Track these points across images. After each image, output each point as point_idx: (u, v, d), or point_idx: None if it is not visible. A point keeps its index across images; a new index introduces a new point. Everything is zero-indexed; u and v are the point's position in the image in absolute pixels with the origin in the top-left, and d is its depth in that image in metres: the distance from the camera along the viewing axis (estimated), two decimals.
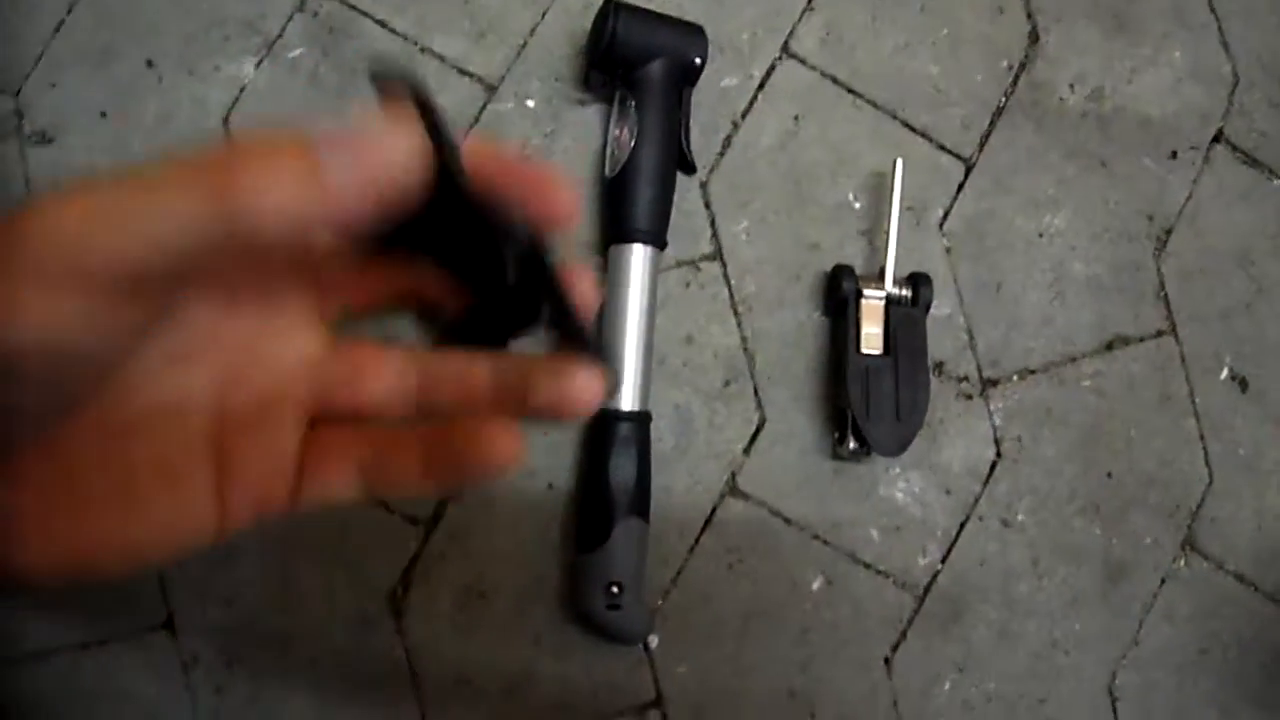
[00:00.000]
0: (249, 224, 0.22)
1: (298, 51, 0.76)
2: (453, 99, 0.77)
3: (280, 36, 0.76)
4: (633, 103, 0.72)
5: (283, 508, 0.29)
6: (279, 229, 0.22)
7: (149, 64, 0.75)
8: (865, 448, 0.73)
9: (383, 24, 0.77)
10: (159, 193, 0.22)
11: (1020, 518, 0.79)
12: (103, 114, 0.74)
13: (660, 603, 0.74)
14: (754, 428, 0.76)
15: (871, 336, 0.74)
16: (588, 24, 0.76)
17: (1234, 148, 0.86)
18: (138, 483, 0.26)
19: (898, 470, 0.78)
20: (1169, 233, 0.84)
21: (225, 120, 0.75)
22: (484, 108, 0.77)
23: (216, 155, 0.22)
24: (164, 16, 0.75)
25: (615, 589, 0.68)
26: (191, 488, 0.27)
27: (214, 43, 0.76)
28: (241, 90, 0.75)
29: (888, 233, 0.75)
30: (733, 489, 0.76)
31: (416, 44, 0.77)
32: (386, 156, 0.23)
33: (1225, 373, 0.84)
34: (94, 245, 0.21)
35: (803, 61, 0.81)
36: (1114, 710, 0.79)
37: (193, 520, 0.27)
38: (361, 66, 0.76)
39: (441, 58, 0.77)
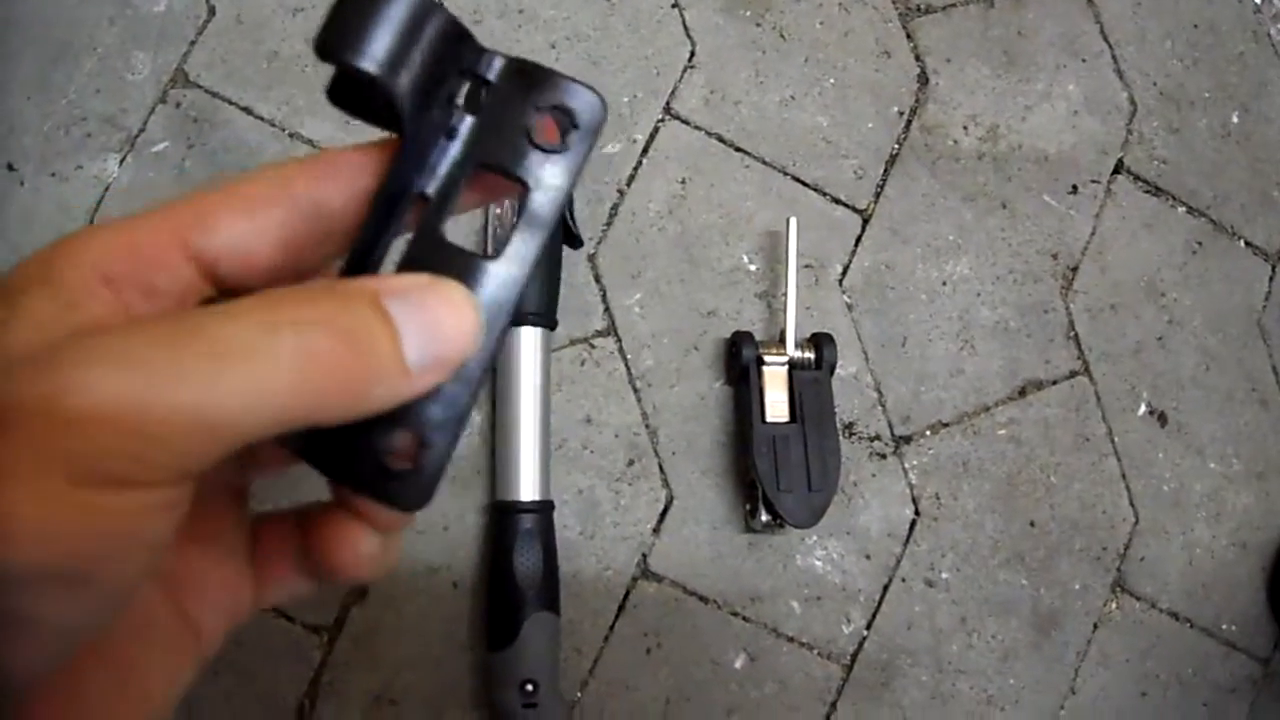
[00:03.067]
0: (334, 415, 0.24)
1: (162, 145, 0.83)
2: None
3: (143, 130, 0.83)
4: None
5: (251, 611, 0.31)
6: (351, 416, 0.24)
7: (10, 168, 0.81)
8: (778, 519, 0.81)
9: (248, 110, 0.85)
10: (238, 371, 0.22)
11: (944, 576, 0.88)
12: None
13: (579, 695, 0.82)
14: (662, 506, 0.85)
15: (776, 404, 0.82)
16: None
17: (1136, 177, 0.97)
18: (124, 653, 0.27)
19: (815, 539, 0.86)
20: (1075, 270, 0.94)
21: (90, 222, 0.82)
22: None
23: (293, 313, 0.23)
24: (23, 116, 0.82)
25: (530, 687, 0.75)
26: (166, 630, 0.28)
27: (75, 141, 0.82)
28: (106, 189, 0.82)
29: (786, 294, 0.83)
30: (645, 571, 0.84)
31: (285, 129, 0.85)
32: (459, 329, 0.26)
33: (1143, 408, 0.94)
34: (161, 443, 0.21)
35: (686, 122, 0.90)
36: None
37: (177, 662, 0.28)
38: (229, 158, 0.84)
39: (312, 143, 0.85)
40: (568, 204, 0.81)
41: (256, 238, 0.28)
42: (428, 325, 0.25)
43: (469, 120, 0.29)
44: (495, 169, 0.29)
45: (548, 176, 0.29)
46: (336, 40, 0.26)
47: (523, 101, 0.29)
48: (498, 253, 0.29)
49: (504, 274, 0.29)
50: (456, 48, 0.29)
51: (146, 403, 0.21)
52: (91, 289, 0.25)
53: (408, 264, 0.28)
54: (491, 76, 0.29)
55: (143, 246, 0.26)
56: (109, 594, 0.23)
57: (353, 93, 0.29)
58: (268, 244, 0.28)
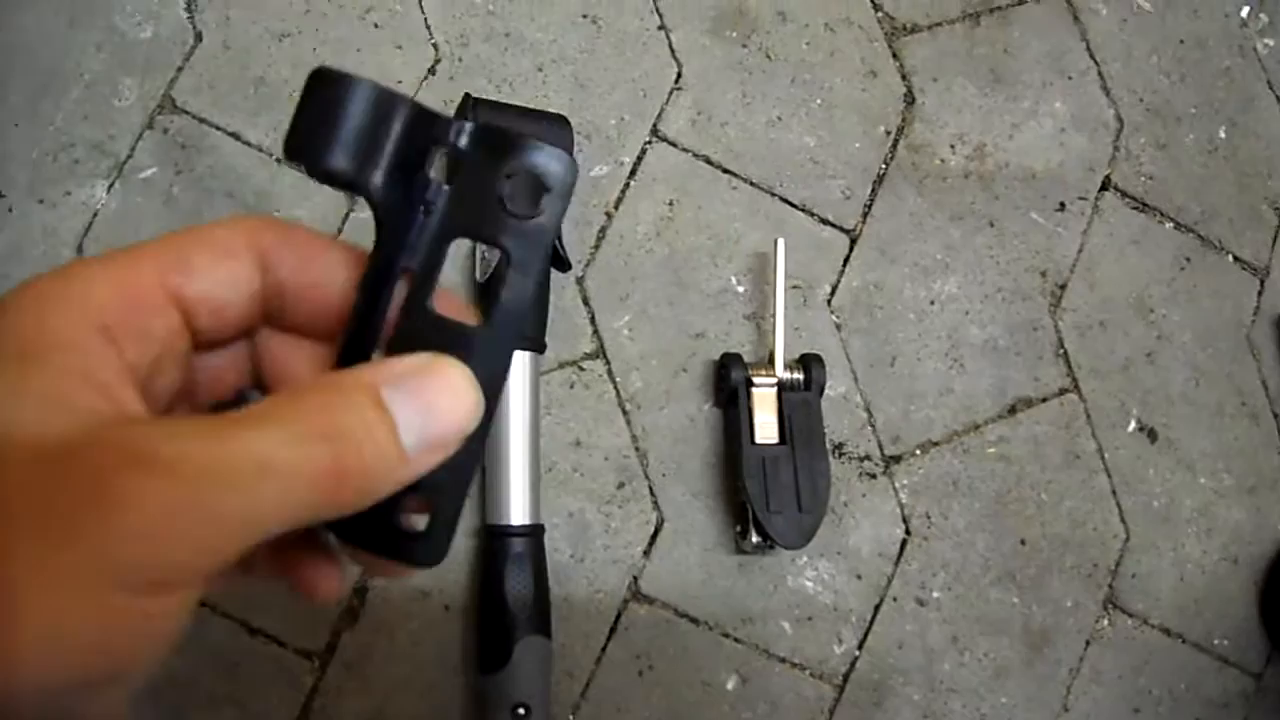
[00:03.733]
0: (344, 510, 0.26)
1: (150, 171, 0.85)
2: (314, 210, 0.87)
3: (131, 156, 0.85)
4: None
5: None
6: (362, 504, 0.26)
7: (0, 195, 0.84)
8: (769, 541, 0.83)
9: (236, 136, 0.87)
10: (270, 484, 0.24)
11: (935, 595, 0.91)
12: None
13: (571, 718, 0.84)
14: (652, 529, 0.87)
15: (766, 425, 0.85)
16: None
17: (1123, 194, 0.99)
18: None
19: (805, 559, 0.88)
20: (1063, 288, 0.97)
21: (79, 248, 0.83)
22: (347, 216, 0.87)
23: (310, 414, 0.25)
24: (11, 144, 0.84)
25: (522, 710, 0.77)
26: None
27: (64, 167, 0.84)
28: (94, 215, 0.83)
29: (774, 315, 0.85)
30: (636, 594, 0.86)
31: (272, 155, 0.87)
32: (456, 411, 0.28)
33: (1133, 425, 0.96)
34: (206, 550, 0.24)
35: (674, 144, 0.92)
36: None
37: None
38: (217, 183, 0.86)
39: (299, 168, 0.87)
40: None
41: (230, 288, 0.30)
42: (424, 411, 0.27)
43: (445, 190, 0.31)
44: (473, 238, 0.31)
45: (525, 241, 0.31)
46: (304, 144, 0.28)
47: (494, 169, 0.31)
48: (486, 319, 0.31)
49: (494, 339, 0.31)
50: (425, 127, 0.30)
51: (197, 516, 0.23)
52: (92, 348, 0.26)
53: (399, 340, 0.31)
54: (462, 145, 0.31)
55: (133, 290, 0.27)
56: (136, 685, 0.25)
57: (325, 180, 0.31)
58: (240, 295, 0.30)
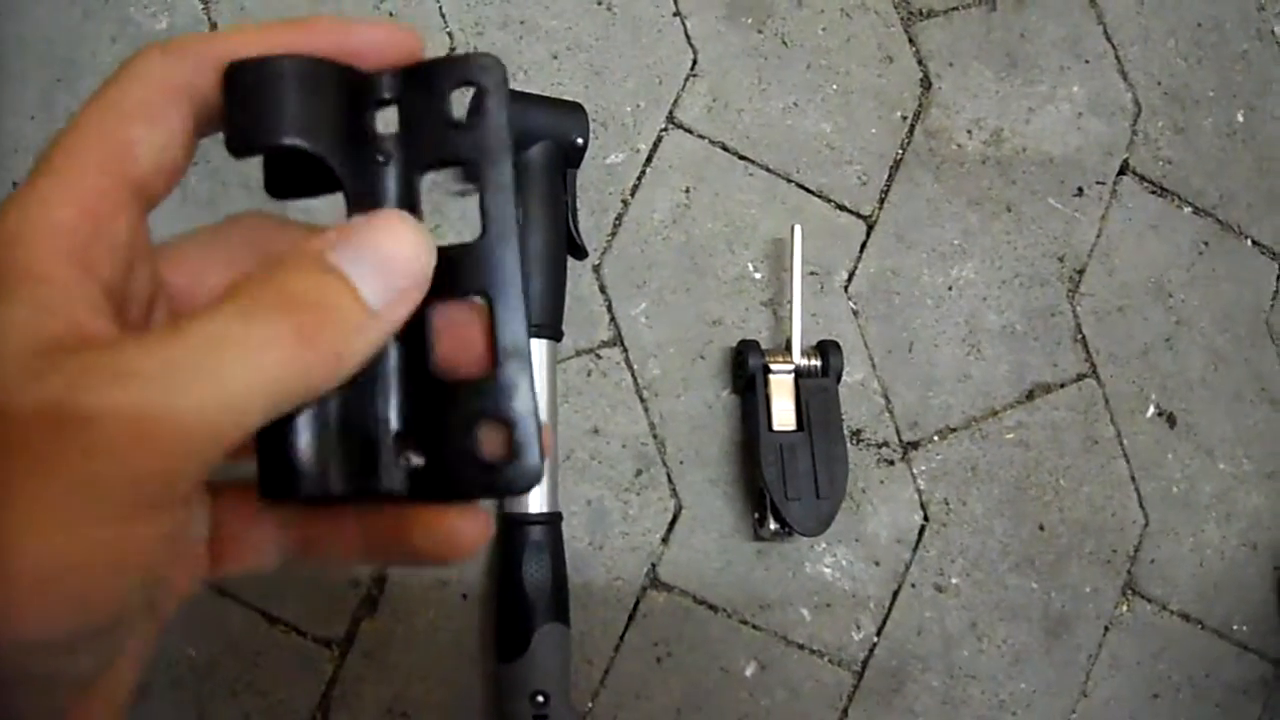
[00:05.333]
0: (327, 379, 0.25)
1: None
2: (327, 199, 0.85)
3: None
4: (516, 190, 0.81)
5: (197, 587, 0.31)
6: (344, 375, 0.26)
7: (15, 186, 0.83)
8: (787, 528, 0.82)
9: None
10: (229, 365, 0.23)
11: (954, 581, 0.89)
12: None
13: (590, 705, 0.83)
14: (670, 516, 0.86)
15: (783, 412, 0.84)
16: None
17: (1141, 178, 0.98)
18: None
19: (824, 546, 0.87)
20: (1081, 273, 0.95)
21: None
22: None
23: (283, 285, 0.24)
24: (26, 135, 0.82)
25: (540, 698, 0.76)
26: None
27: None
28: None
29: (791, 302, 0.84)
30: (654, 580, 0.85)
31: None
32: (408, 255, 0.27)
33: (1151, 410, 0.95)
34: (178, 452, 0.22)
35: (690, 130, 0.91)
36: None
37: (143, 645, 0.28)
38: (232, 174, 0.85)
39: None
40: (572, 214, 0.82)
41: (175, 144, 0.28)
42: (378, 264, 0.26)
43: (394, 140, 0.31)
44: (436, 166, 0.31)
45: (485, 146, 0.30)
46: (249, 131, 0.28)
47: (430, 98, 0.31)
48: (484, 231, 0.30)
49: (494, 247, 0.30)
50: (355, 87, 0.30)
51: (165, 415, 0.21)
52: (62, 279, 0.24)
53: None
54: (391, 95, 0.31)
55: (92, 200, 0.26)
56: (124, 633, 0.24)
57: (286, 176, 0.31)
58: (179, 150, 0.28)
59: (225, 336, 0.23)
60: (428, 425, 0.30)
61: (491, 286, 0.30)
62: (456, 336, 0.31)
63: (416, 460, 0.30)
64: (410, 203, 0.30)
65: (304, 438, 0.28)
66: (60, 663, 0.23)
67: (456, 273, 0.30)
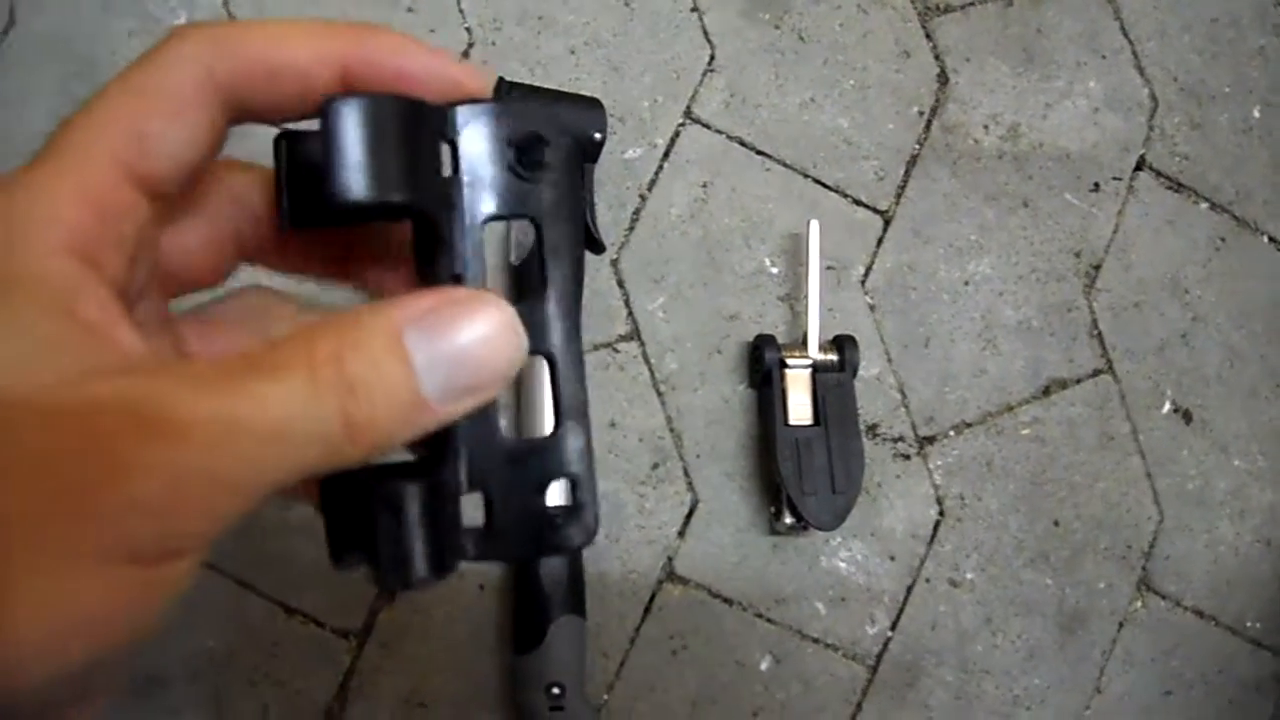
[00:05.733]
0: (356, 461, 0.24)
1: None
2: None
3: None
4: None
5: None
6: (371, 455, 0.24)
7: None
8: (802, 522, 0.82)
9: (271, 121, 0.86)
10: (279, 439, 0.22)
11: (969, 576, 0.89)
12: None
13: (605, 698, 0.83)
14: (687, 509, 0.86)
15: (799, 406, 0.84)
16: None
17: (1158, 174, 0.97)
18: None
19: (839, 540, 0.87)
20: (1098, 268, 0.95)
21: None
22: None
23: (321, 356, 0.23)
24: (47, 133, 0.83)
25: (556, 690, 0.77)
26: None
27: None
28: None
29: (808, 297, 0.84)
30: (670, 574, 0.85)
31: None
32: (490, 353, 0.25)
33: (1167, 406, 0.94)
34: (210, 514, 0.22)
35: (707, 125, 0.91)
36: None
37: None
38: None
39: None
40: (589, 209, 0.82)
41: (193, 145, 0.26)
42: (454, 358, 0.24)
43: (459, 182, 0.29)
44: (500, 218, 0.30)
45: (547, 202, 0.30)
46: (351, 183, 0.26)
47: (494, 143, 0.29)
48: (545, 292, 0.29)
49: (558, 309, 0.30)
50: (423, 123, 0.28)
51: (209, 483, 0.21)
52: (71, 278, 0.23)
53: None
54: (461, 130, 0.29)
55: (98, 194, 0.24)
56: (135, 655, 0.24)
57: (318, 209, 0.28)
58: (207, 146, 0.27)
59: (285, 419, 0.22)
60: (493, 487, 0.29)
61: (553, 348, 0.30)
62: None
63: (479, 520, 0.29)
64: (478, 256, 0.29)
65: (398, 529, 0.27)
66: (74, 687, 0.23)
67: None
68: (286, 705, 0.80)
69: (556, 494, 0.30)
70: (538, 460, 0.30)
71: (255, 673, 0.80)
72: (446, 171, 0.29)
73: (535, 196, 0.29)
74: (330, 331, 0.23)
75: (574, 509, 0.30)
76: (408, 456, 0.30)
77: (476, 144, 0.29)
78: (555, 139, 0.30)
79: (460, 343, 0.24)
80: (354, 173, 0.25)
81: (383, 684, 0.81)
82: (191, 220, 0.29)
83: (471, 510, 0.29)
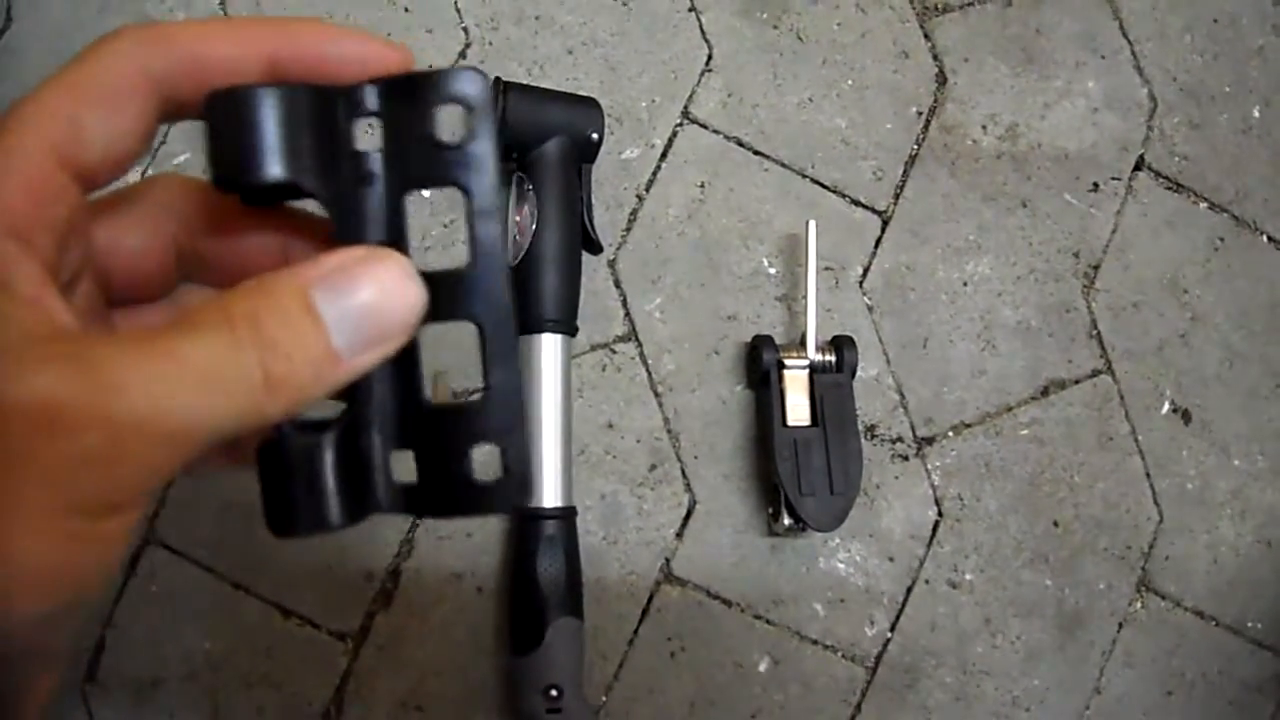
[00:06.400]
0: (281, 416, 0.26)
1: (183, 156, 0.84)
2: None
3: (164, 142, 0.84)
4: (530, 185, 0.80)
5: None
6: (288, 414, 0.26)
7: None
8: (801, 523, 0.81)
9: None
10: (212, 395, 0.24)
11: (968, 577, 0.89)
12: None
13: (603, 699, 0.83)
14: (684, 511, 0.85)
15: (797, 407, 0.83)
16: None
17: (1157, 174, 0.97)
18: None
19: (837, 541, 0.87)
20: (1097, 268, 0.94)
21: None
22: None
23: (238, 311, 0.25)
24: None
25: (554, 692, 0.76)
26: None
27: None
28: None
29: (806, 297, 0.84)
30: (668, 575, 0.85)
31: None
32: (392, 306, 0.27)
33: (1166, 406, 0.94)
34: (148, 464, 0.23)
35: (704, 126, 0.90)
36: None
37: None
38: None
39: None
40: (587, 209, 0.81)
41: (128, 138, 0.28)
42: (360, 314, 0.26)
43: (378, 157, 0.30)
44: (422, 187, 0.30)
45: (471, 168, 0.30)
46: (231, 164, 0.28)
47: (414, 114, 0.30)
48: (472, 258, 0.30)
49: (483, 276, 0.30)
50: (333, 105, 0.30)
51: (144, 435, 0.23)
52: (9, 257, 0.25)
53: None
54: (375, 106, 0.30)
55: (34, 179, 0.26)
56: (94, 613, 0.27)
57: (263, 194, 0.31)
58: (134, 140, 0.28)
59: (211, 372, 0.24)
60: (420, 446, 0.31)
61: (481, 315, 0.31)
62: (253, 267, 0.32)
63: (408, 479, 0.31)
64: (397, 225, 0.30)
65: (303, 478, 0.30)
66: (44, 638, 0.25)
67: (447, 298, 0.30)
68: (283, 707, 0.79)
69: (488, 458, 0.31)
70: (465, 422, 0.31)
71: (252, 675, 0.79)
72: (365, 147, 0.30)
73: (459, 164, 0.30)
74: (245, 294, 0.25)
75: (506, 472, 0.31)
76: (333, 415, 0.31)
77: (400, 118, 0.30)
78: (479, 106, 0.30)
79: (363, 297, 0.26)
80: (230, 158, 0.28)
81: (379, 686, 0.80)
82: (131, 224, 0.31)
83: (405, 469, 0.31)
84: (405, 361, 0.31)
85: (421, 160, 0.30)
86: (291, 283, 0.26)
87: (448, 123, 0.30)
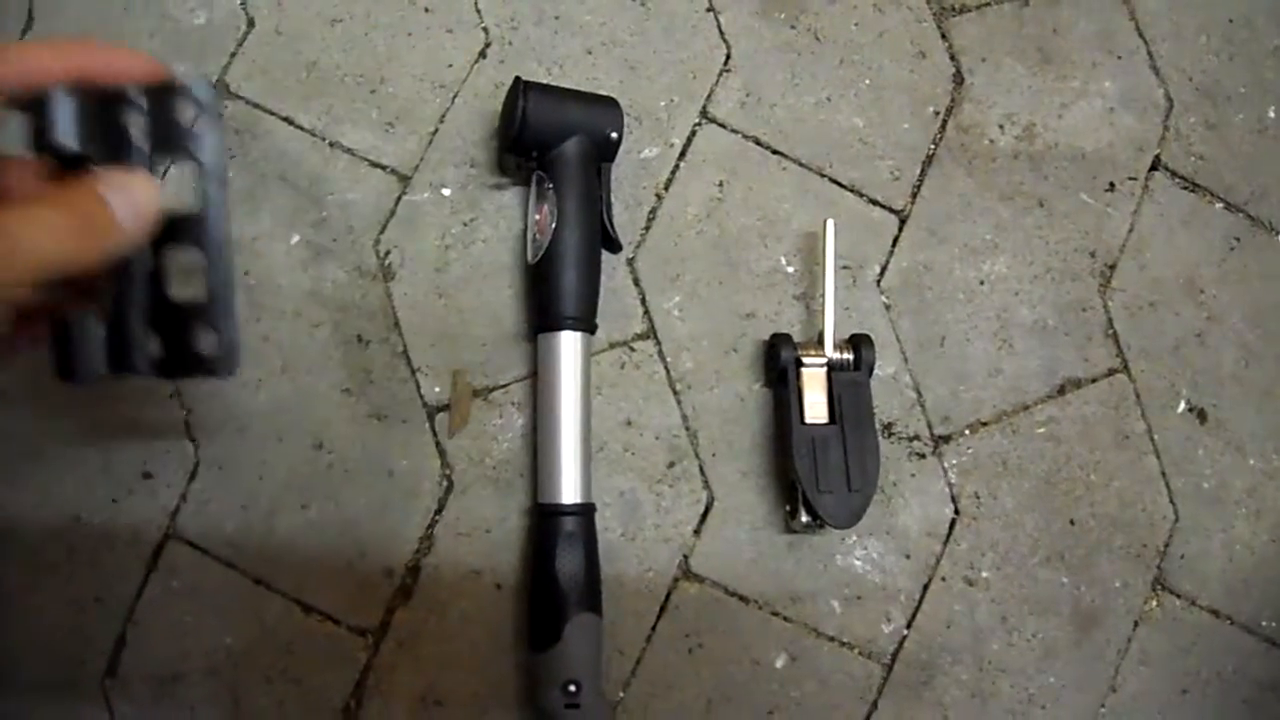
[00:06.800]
0: (89, 261, 0.45)
1: None
2: (366, 192, 0.85)
3: None
4: (550, 184, 0.80)
5: None
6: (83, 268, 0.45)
7: None
8: (818, 520, 0.81)
9: (289, 120, 0.86)
10: (36, 240, 0.42)
11: (984, 575, 0.89)
12: None
13: (621, 695, 0.83)
14: (703, 508, 0.85)
15: (815, 405, 0.83)
16: (498, 106, 0.85)
17: (1173, 174, 0.97)
18: None
19: (855, 539, 0.87)
20: (1113, 268, 0.94)
21: None
22: (399, 200, 0.86)
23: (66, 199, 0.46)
24: None
25: (573, 687, 0.76)
26: None
27: None
28: None
29: (824, 296, 0.84)
30: (686, 572, 0.85)
31: (325, 139, 0.86)
32: (147, 198, 0.48)
33: (1182, 405, 0.94)
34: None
35: (723, 125, 0.90)
36: None
37: None
38: (271, 167, 0.85)
39: (352, 151, 0.86)
40: (606, 208, 0.81)
41: None
42: (128, 199, 0.46)
43: (138, 134, 0.50)
44: (168, 153, 0.50)
45: (200, 146, 0.51)
46: (36, 138, 0.48)
47: (167, 109, 0.50)
48: (202, 205, 0.51)
49: (212, 217, 0.52)
50: (114, 96, 0.50)
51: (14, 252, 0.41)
52: None
53: None
54: (138, 102, 0.50)
55: None
56: None
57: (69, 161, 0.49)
58: None
59: (36, 219, 0.43)
60: (165, 331, 0.53)
61: (205, 245, 0.52)
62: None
63: (157, 351, 0.53)
64: (148, 171, 0.50)
65: (81, 339, 0.52)
66: None
67: (185, 230, 0.52)
68: (303, 702, 0.80)
69: (211, 339, 0.53)
70: (194, 314, 0.52)
71: (272, 670, 0.80)
72: (132, 129, 0.49)
73: (194, 140, 0.51)
74: (66, 189, 0.47)
75: (223, 347, 0.53)
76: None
77: (159, 110, 0.50)
78: (206, 103, 0.50)
79: (130, 191, 0.47)
80: (36, 131, 0.48)
81: (399, 682, 0.81)
82: None
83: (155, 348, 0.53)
84: (152, 271, 0.52)
85: (169, 137, 0.50)
86: (91, 185, 0.46)
87: (185, 113, 0.50)
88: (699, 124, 0.90)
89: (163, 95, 0.50)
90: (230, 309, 0.53)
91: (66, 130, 0.47)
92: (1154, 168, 0.96)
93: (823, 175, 0.91)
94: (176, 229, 0.52)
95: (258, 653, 0.80)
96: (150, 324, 0.53)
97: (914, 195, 0.92)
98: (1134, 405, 0.92)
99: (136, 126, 0.50)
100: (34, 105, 0.47)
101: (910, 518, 0.88)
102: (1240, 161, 0.98)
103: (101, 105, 0.49)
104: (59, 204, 0.45)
